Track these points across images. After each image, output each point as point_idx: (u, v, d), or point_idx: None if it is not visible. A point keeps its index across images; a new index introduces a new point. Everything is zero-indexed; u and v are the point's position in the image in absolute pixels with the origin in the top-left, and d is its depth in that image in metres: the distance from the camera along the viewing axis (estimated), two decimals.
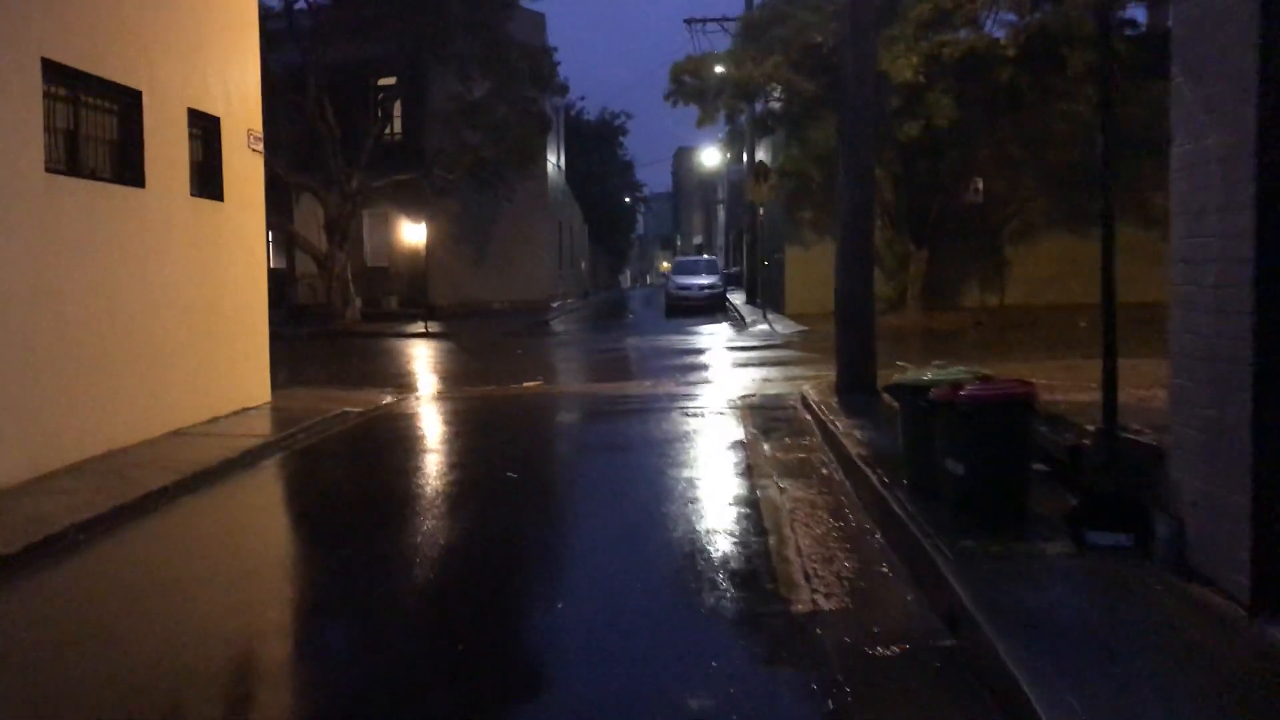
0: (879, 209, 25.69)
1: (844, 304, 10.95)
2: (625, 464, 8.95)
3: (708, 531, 6.47)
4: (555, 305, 37.29)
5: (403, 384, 15.60)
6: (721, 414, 11.16)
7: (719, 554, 6.01)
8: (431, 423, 11.93)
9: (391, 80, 31.42)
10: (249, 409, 12.09)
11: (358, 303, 30.46)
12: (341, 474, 9.31)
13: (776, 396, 12.37)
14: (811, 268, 27.26)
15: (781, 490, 7.51)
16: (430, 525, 7.06)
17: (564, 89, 32.91)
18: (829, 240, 27.48)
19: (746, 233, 38.40)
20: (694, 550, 6.09)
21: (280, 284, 35.46)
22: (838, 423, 9.21)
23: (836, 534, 6.33)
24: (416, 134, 32.19)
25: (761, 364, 16.81)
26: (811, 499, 7.20)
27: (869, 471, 7.19)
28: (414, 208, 31.79)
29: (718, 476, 8.06)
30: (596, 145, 53.47)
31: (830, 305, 26.27)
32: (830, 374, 13.34)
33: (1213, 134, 4.58)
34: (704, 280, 34.13)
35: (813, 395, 11.13)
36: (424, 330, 27.84)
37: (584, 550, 6.64)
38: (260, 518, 7.87)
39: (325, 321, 29.62)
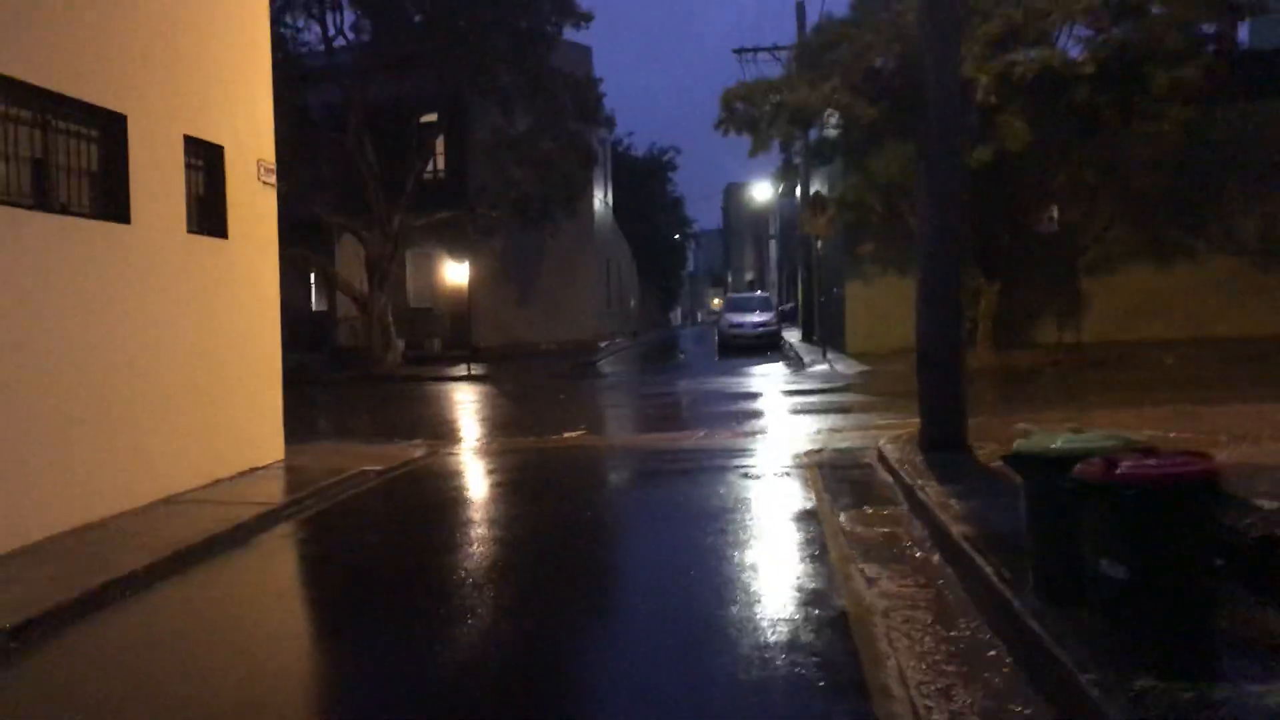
0: None
1: (927, 345, 9.48)
2: (675, 544, 7.52)
3: (780, 646, 5.03)
4: (603, 345, 36.05)
5: (435, 435, 14.36)
6: (786, 474, 9.70)
7: (797, 682, 4.57)
8: (455, 486, 10.61)
9: (433, 117, 30.56)
10: (258, 469, 10.89)
11: (400, 345, 29.47)
12: (343, 553, 7.99)
13: (848, 452, 10.87)
14: (874, 304, 25.74)
15: (869, 582, 6.05)
16: (434, 629, 5.69)
17: (610, 122, 31.83)
18: (892, 274, 25.97)
19: (802, 268, 36.94)
20: (765, 677, 4.66)
21: (322, 327, 34.82)
22: (928, 489, 7.72)
23: (949, 652, 4.86)
24: (459, 171, 31.31)
25: (825, 410, 15.32)
26: (909, 595, 5.74)
27: (979, 559, 5.70)
28: (457, 247, 30.83)
29: (787, 561, 6.62)
30: (645, 181, 52.44)
31: (895, 343, 24.82)
32: (907, 424, 11.85)
33: None
34: (758, 318, 32.71)
35: (891, 452, 9.63)
36: (466, 373, 26.73)
37: (623, 675, 5.22)
38: (236, 616, 6.57)
39: (366, 365, 28.67)
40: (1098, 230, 24.67)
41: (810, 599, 5.76)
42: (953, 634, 5.09)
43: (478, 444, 13.43)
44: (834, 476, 9.46)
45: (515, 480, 10.61)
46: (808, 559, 6.63)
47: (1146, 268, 24.77)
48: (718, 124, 22.04)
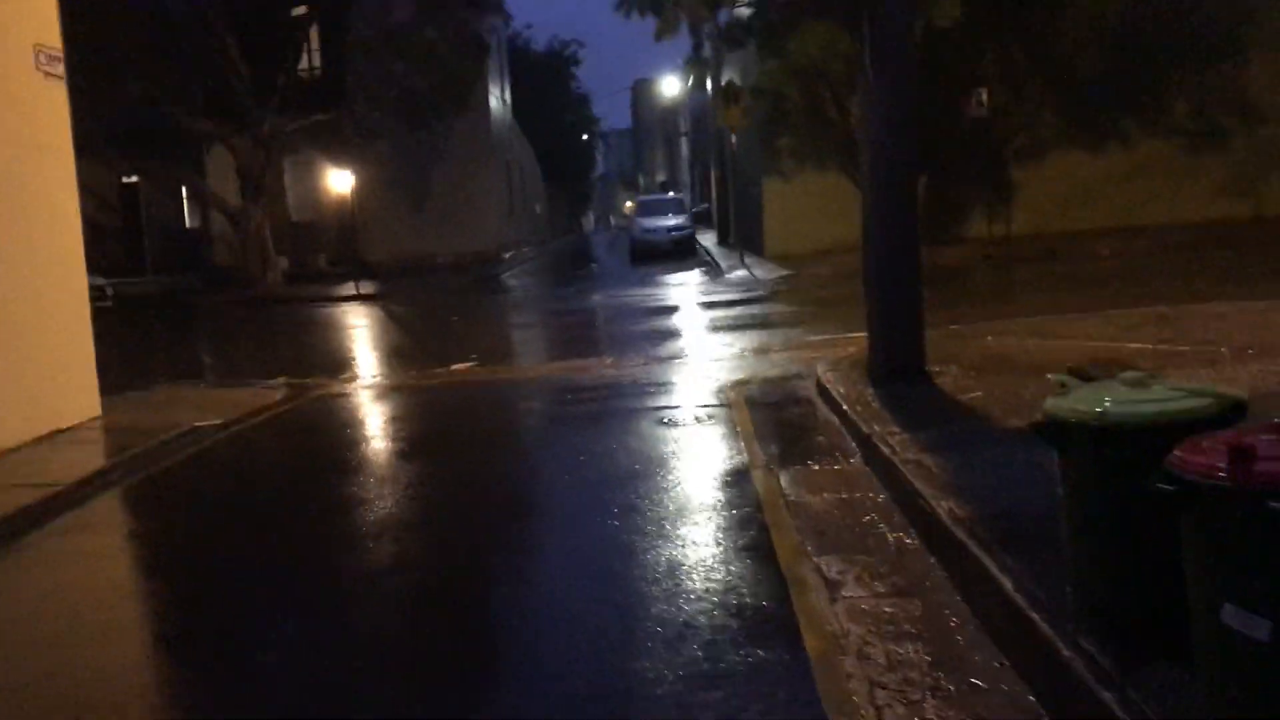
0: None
1: (878, 256, 7.75)
2: (565, 537, 5.73)
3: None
4: (507, 256, 33.83)
5: (305, 369, 12.33)
6: (710, 416, 7.97)
7: None
8: (296, 453, 8.63)
9: (303, 9, 27.46)
10: (59, 432, 8.78)
11: (281, 263, 26.94)
12: (125, 569, 6.04)
13: (780, 383, 9.16)
14: (792, 203, 24.02)
15: (831, 588, 4.36)
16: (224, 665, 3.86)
17: (501, 8, 29.12)
18: (810, 171, 24.16)
19: (715, 166, 35.02)
20: None
21: (196, 246, 31.92)
22: (890, 439, 6.06)
23: None
24: (336, 68, 28.39)
25: (748, 326, 13.65)
26: (890, 616, 4.06)
27: (990, 565, 4.04)
28: (340, 153, 28.12)
29: (716, 557, 4.89)
30: (547, 78, 49.44)
31: (816, 245, 23.16)
32: (843, 342, 10.24)
33: None
34: (671, 221, 30.80)
35: (835, 383, 7.96)
36: (354, 293, 24.43)
37: None
38: None
39: (244, 286, 26.14)
40: (1028, 114, 23.18)
41: (754, 627, 4.05)
42: (966, 689, 3.44)
43: (346, 384, 11.44)
44: (767, 418, 7.75)
45: (375, 440, 8.68)
46: (745, 551, 4.91)
47: (1078, 154, 23.49)
48: (619, 4, 19.75)
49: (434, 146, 29.45)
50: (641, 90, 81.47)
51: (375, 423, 9.42)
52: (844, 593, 4.32)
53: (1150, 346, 8.03)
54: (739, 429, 7.39)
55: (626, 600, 4.41)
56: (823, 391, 8.04)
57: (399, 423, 9.24)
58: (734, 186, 28.81)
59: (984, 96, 21.53)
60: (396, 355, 13.86)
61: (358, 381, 11.58)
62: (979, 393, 7.10)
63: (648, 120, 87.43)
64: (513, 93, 41.47)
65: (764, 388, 8.94)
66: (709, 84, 34.16)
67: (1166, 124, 23.10)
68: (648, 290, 20.52)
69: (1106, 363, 5.65)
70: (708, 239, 34.73)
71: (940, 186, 22.52)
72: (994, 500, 4.73)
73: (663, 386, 9.50)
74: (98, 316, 9.70)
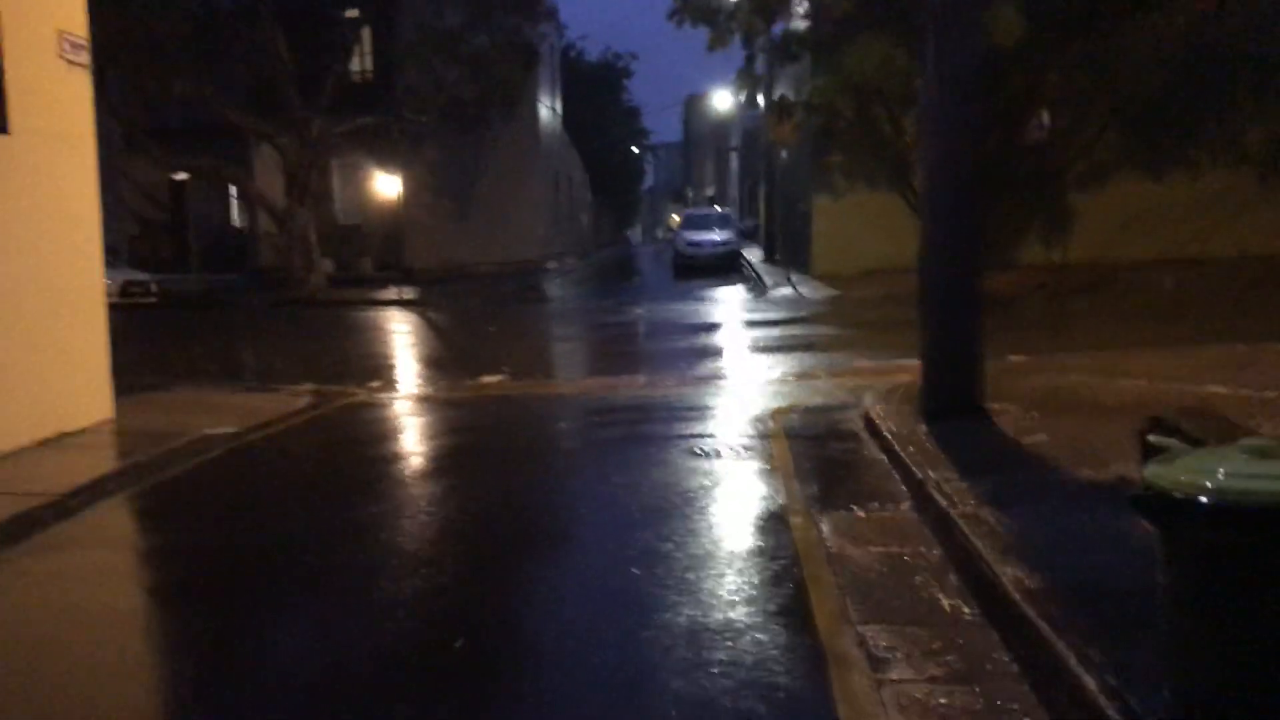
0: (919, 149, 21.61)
1: (934, 283, 7.14)
2: (583, 580, 5.18)
3: None
4: (550, 266, 33.45)
5: (336, 375, 11.96)
6: (747, 448, 7.37)
7: None
8: (314, 462, 8.18)
9: (355, 12, 27.38)
10: (67, 434, 8.40)
11: (325, 266, 26.73)
12: (98, 601, 5.58)
13: (825, 412, 8.54)
14: (842, 221, 23.35)
15: (876, 668, 3.77)
16: None
17: (553, 17, 28.81)
18: (861, 189, 23.47)
19: (764, 182, 34.43)
20: None
21: (244, 246, 31.86)
22: (945, 485, 5.45)
23: None
24: (385, 71, 28.23)
25: (792, 347, 13.06)
26: (945, 710, 3.46)
27: (1063, 650, 3.43)
28: (388, 158, 27.98)
29: (746, 620, 4.30)
30: (598, 90, 49.11)
31: (864, 264, 22.47)
32: (892, 371, 9.62)
33: None
34: (716, 236, 30.26)
35: (885, 418, 7.34)
36: (395, 298, 24.16)
37: None
38: None
39: (287, 288, 25.94)
40: (1089, 138, 22.35)
41: (784, 715, 3.47)
42: None
43: (373, 393, 11.01)
44: (809, 453, 7.15)
45: (385, 466, 8.12)
46: (778, 616, 4.32)
47: (1140, 180, 22.61)
48: (671, 14, 19.25)
49: (481, 154, 29.19)
50: (694, 106, 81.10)
51: (394, 439, 8.96)
52: (891, 674, 3.73)
53: (1233, 391, 7.33)
54: (777, 464, 6.80)
55: (638, 672, 3.85)
56: (870, 426, 7.43)
57: (418, 440, 8.78)
58: (781, 203, 28.20)
59: (1045, 119, 20.77)
60: (429, 364, 13.45)
61: (385, 391, 11.15)
62: (1043, 436, 6.47)
63: (698, 135, 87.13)
64: (564, 103, 41.20)
65: (806, 418, 8.34)
66: (760, 99, 33.63)
67: (1236, 152, 22.16)
68: (689, 305, 19.97)
69: (1196, 413, 5.00)
70: (753, 255, 34.12)
71: (995, 211, 21.75)
72: (1069, 570, 4.11)
73: (697, 411, 8.95)
74: (140, 311, 9.35)
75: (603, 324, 18.55)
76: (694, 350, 13.21)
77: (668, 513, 5.82)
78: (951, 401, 7.00)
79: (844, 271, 22.94)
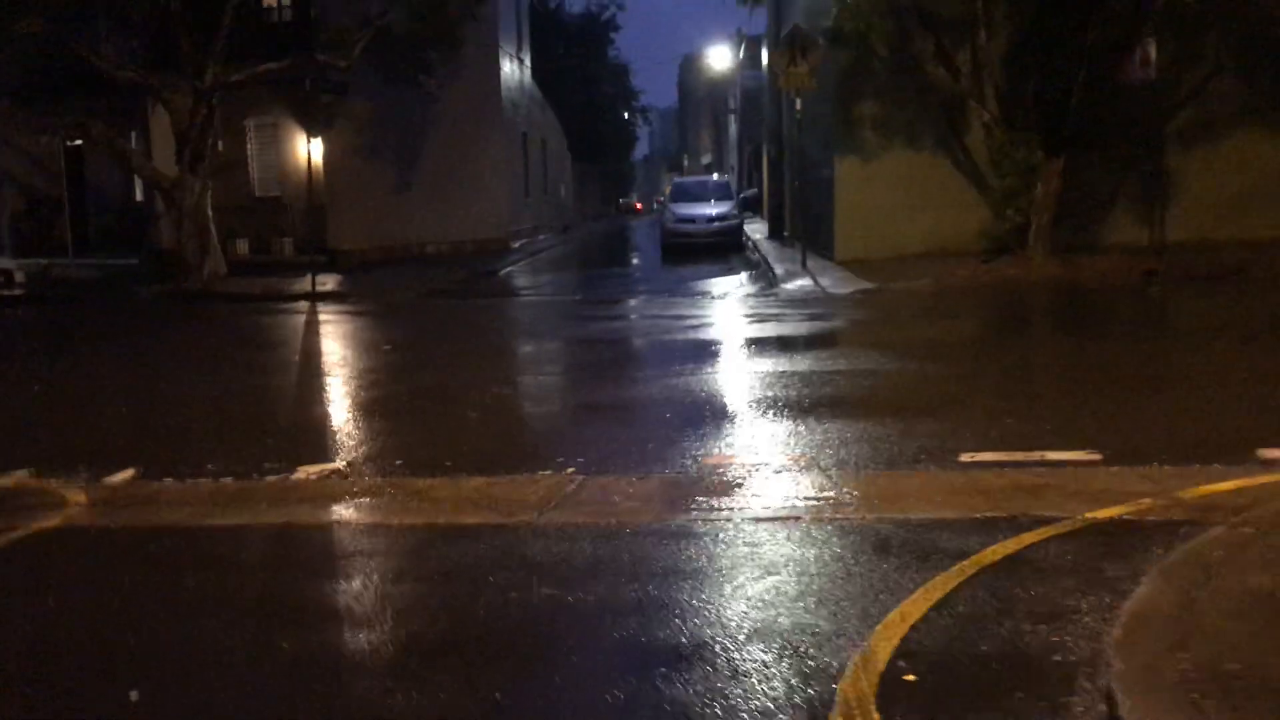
0: (980, 95, 16.50)
1: None
2: None
3: None
4: (516, 246, 28.23)
5: (76, 448, 6.86)
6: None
7: None
8: None
9: None
10: None
11: (240, 248, 21.62)
12: None
13: (986, 661, 3.37)
14: (874, 191, 18.18)
15: None
16: None
17: None
18: (900, 147, 18.22)
19: (770, 144, 29.12)
20: None
21: (140, 224, 26.66)
22: None
23: None
24: (304, 7, 22.93)
25: (835, 401, 7.86)
26: None
27: None
28: (311, 115, 22.64)
29: None
30: (581, 44, 43.67)
31: (904, 245, 16.46)
32: (1079, 472, 4.49)
33: None
34: (714, 210, 25.07)
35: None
36: (304, 291, 18.96)
37: None
38: None
39: (180, 277, 20.81)
40: (1198, 81, 17.18)
41: None
42: None
43: (91, 498, 5.86)
44: None
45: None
46: None
47: (1263, 137, 17.43)
48: None
49: (427, 111, 23.99)
50: (690, 68, 75.74)
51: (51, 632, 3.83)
52: None
53: None
54: None
55: None
56: None
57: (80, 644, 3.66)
58: (794, 169, 22.95)
59: (1151, 52, 15.52)
60: (234, 429, 8.14)
61: (108, 500, 6.00)
62: None
63: (695, 99, 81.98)
64: (537, 57, 35.78)
65: (942, 670, 3.15)
66: (764, 53, 28.34)
67: None
68: (672, 309, 14.79)
69: None
70: (756, 231, 28.95)
71: (1080, 175, 16.58)
72: None
73: (663, 635, 3.82)
74: None
75: (549, 331, 13.45)
76: (668, 405, 8.05)
77: None
78: None
79: (875, 255, 17.84)
